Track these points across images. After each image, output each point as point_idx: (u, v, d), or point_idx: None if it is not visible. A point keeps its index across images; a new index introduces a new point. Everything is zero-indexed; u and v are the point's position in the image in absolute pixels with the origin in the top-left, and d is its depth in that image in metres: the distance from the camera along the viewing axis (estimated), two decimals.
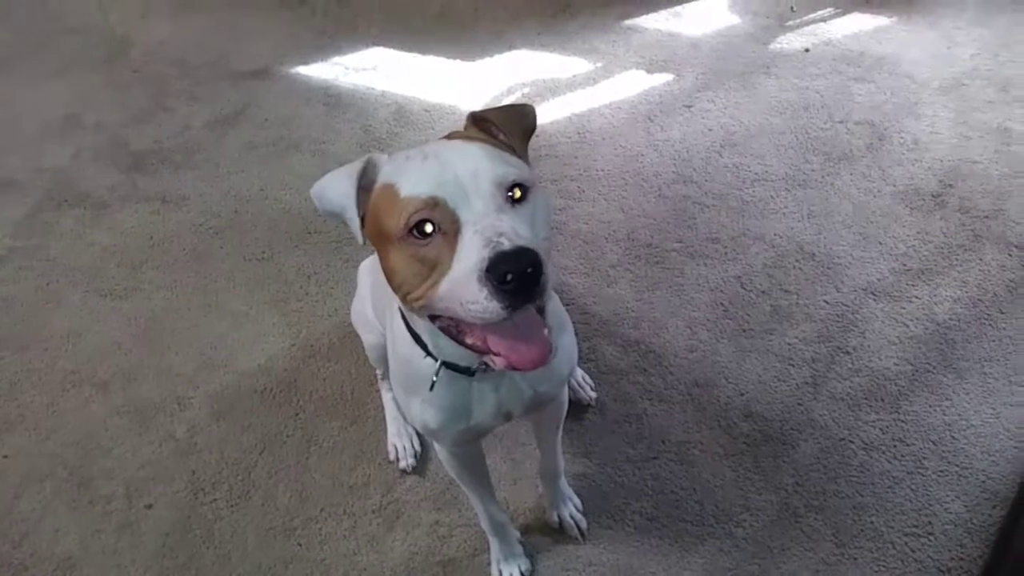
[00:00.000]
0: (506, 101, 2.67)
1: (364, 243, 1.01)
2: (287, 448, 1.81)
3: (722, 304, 2.02)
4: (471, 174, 0.91)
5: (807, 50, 2.78)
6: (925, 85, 2.58)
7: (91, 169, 2.57)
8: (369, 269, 1.60)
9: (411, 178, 0.93)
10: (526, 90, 2.72)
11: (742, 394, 1.84)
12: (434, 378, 1.10)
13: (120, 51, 3.06)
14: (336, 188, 0.98)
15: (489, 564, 1.59)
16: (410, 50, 2.95)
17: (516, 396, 1.18)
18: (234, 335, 2.05)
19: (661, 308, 2.02)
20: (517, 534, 1.60)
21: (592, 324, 1.99)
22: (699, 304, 2.02)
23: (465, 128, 1.07)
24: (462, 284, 0.87)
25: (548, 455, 1.55)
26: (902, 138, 2.41)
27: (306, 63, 2.92)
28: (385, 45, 2.98)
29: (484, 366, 1.07)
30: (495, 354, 0.94)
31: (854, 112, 2.51)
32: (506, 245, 0.85)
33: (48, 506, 1.76)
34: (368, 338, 1.64)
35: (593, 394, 1.82)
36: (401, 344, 1.14)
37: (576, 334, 1.27)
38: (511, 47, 2.91)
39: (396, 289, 0.98)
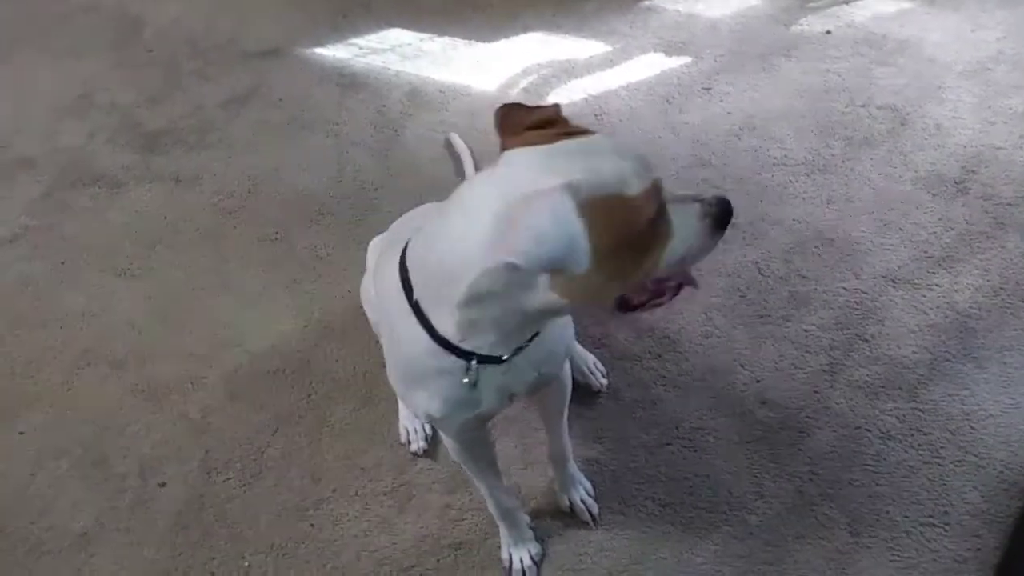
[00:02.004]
0: (522, 83, 2.64)
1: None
2: (299, 429, 1.82)
3: (739, 289, 2.00)
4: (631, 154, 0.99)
5: (829, 32, 2.72)
6: (948, 69, 2.53)
7: (105, 149, 2.57)
8: (378, 246, 1.59)
9: (620, 176, 0.94)
10: (542, 72, 2.68)
11: (758, 381, 1.82)
12: (466, 380, 1.09)
13: (133, 31, 3.05)
14: (556, 230, 0.87)
15: (500, 547, 1.59)
16: (425, 31, 2.92)
17: (520, 378, 1.19)
18: (247, 315, 2.05)
19: None
20: (527, 519, 1.60)
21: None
22: (715, 289, 2.00)
23: (551, 118, 1.04)
24: (694, 240, 1.00)
25: (555, 438, 1.55)
26: (924, 123, 2.37)
27: (321, 43, 2.89)
28: (400, 26, 2.95)
29: (517, 351, 1.09)
30: (675, 289, 1.06)
31: (876, 96, 2.46)
32: (706, 194, 1.00)
33: (64, 483, 1.77)
34: (375, 316, 1.63)
35: (604, 381, 1.80)
36: (410, 345, 1.10)
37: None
38: (526, 28, 2.88)
39: (632, 288, 1.02)
